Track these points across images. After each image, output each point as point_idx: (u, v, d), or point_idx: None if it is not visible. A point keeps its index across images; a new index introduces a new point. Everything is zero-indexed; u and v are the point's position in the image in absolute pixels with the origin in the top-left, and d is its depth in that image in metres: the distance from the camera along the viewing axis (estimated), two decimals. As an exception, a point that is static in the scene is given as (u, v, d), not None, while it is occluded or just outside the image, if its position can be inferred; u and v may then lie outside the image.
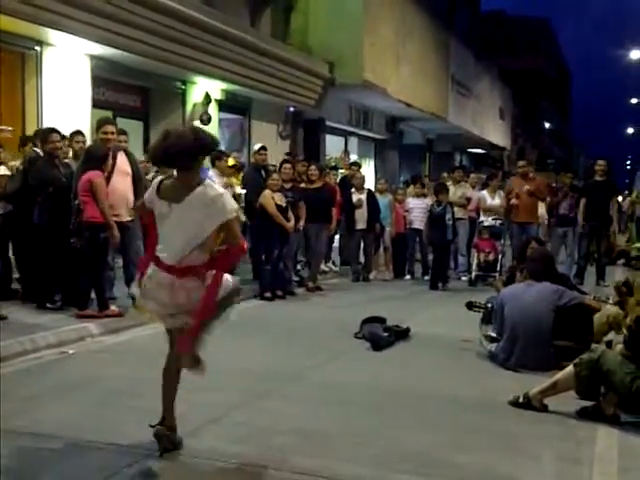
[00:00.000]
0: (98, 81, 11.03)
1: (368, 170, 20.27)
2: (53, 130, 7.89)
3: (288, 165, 10.45)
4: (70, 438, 4.17)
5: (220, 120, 14.08)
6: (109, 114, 10.72)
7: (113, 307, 7.55)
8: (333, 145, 18.91)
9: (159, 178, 3.97)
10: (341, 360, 6.48)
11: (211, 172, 9.54)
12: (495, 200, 12.32)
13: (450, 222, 11.29)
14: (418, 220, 12.14)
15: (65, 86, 10.10)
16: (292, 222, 9.86)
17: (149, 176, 8.14)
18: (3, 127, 9.32)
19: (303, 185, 10.82)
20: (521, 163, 13.02)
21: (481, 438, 4.47)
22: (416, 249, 12.67)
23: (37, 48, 9.74)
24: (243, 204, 9.94)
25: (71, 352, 6.37)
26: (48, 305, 7.60)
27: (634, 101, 53.47)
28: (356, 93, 17.58)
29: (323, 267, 11.98)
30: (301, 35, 16.39)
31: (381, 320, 7.46)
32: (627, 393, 4.66)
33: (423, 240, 12.09)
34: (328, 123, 18.04)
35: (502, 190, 12.67)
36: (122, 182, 7.69)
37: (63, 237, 7.46)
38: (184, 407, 4.15)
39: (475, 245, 12.11)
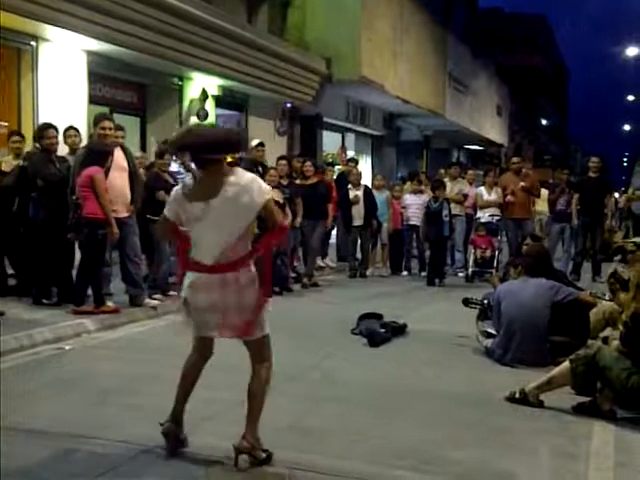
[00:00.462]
0: (94, 77, 10.99)
1: (365, 166, 20.27)
2: (50, 126, 7.87)
3: (284, 161, 10.43)
4: (66, 434, 4.17)
5: (217, 116, 14.03)
6: (106, 110, 10.68)
7: (109, 303, 7.54)
8: (330, 141, 18.90)
9: (176, 189, 3.89)
10: (338, 356, 6.47)
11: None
12: (492, 196, 12.33)
13: (447, 218, 11.27)
14: (415, 216, 12.12)
15: (61, 82, 10.06)
16: (289, 218, 9.84)
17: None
18: (-2, 122, 9.31)
19: (298, 181, 10.81)
20: (515, 159, 13.06)
21: (477, 434, 4.47)
22: (413, 245, 12.68)
23: (33, 43, 9.69)
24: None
25: (67, 348, 6.37)
26: (44, 301, 7.60)
27: (631, 98, 53.62)
28: (353, 89, 17.55)
29: (320, 263, 11.97)
30: (298, 31, 16.35)
31: (378, 316, 7.47)
32: (623, 389, 4.67)
33: (420, 236, 12.10)
34: (325, 119, 17.99)
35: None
36: (120, 178, 7.67)
37: (59, 233, 7.45)
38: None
39: (472, 241, 12.12)
